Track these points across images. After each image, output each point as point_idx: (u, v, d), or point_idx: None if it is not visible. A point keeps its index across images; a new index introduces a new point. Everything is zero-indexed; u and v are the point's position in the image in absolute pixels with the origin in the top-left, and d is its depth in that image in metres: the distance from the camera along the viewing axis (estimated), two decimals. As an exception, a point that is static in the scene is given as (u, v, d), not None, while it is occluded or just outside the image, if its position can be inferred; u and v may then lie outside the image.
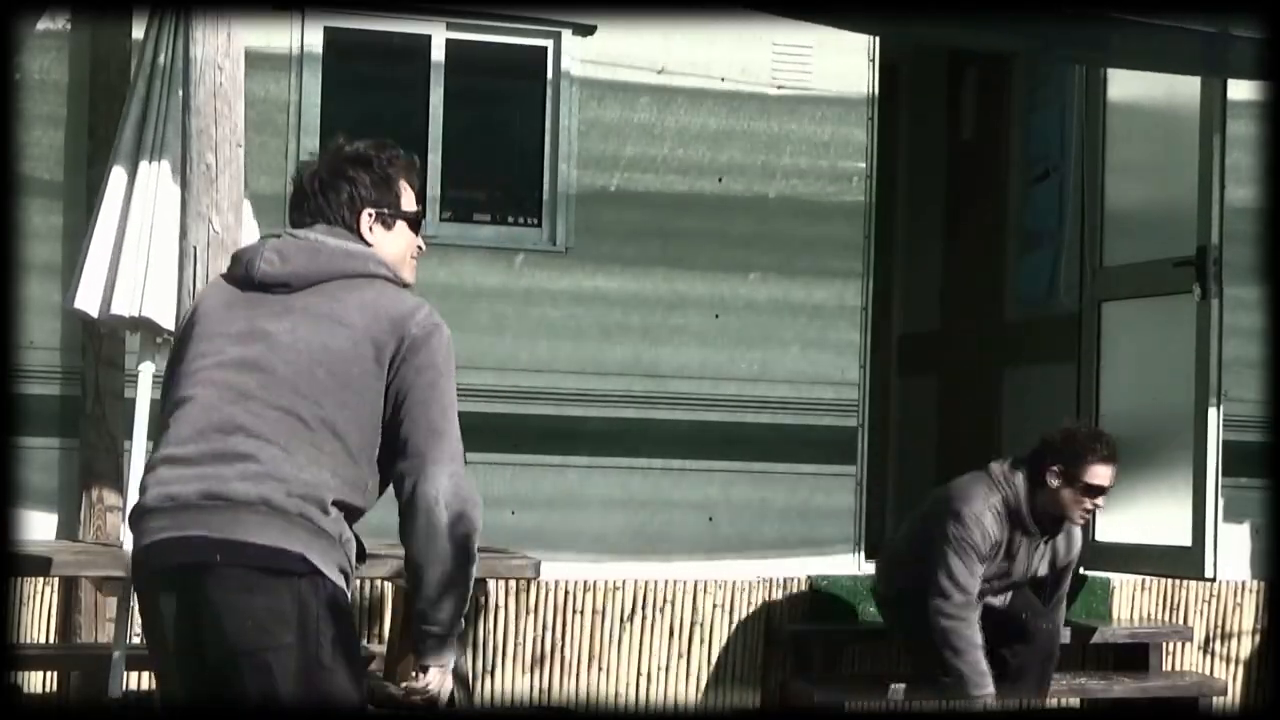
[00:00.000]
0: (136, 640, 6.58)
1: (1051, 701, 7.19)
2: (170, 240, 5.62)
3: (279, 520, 3.61)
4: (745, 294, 7.69)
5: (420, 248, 4.03)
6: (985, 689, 6.63)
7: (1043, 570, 7.00)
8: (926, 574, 6.75)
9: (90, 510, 6.85)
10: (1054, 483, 6.77)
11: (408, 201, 3.99)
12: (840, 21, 6.96)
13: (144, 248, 5.98)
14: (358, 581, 3.90)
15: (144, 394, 6.07)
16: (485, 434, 7.17)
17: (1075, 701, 7.23)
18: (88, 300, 6.04)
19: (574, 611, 7.39)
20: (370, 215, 3.93)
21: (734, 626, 7.57)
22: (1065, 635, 7.30)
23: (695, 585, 7.53)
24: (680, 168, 7.64)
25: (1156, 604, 8.04)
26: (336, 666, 3.66)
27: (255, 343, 3.74)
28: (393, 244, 3.96)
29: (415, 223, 4.02)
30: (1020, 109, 9.13)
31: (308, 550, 3.62)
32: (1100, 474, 6.78)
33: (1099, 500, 6.83)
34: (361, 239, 3.91)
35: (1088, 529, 7.79)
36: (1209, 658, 8.08)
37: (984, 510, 6.74)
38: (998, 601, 6.96)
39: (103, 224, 6.07)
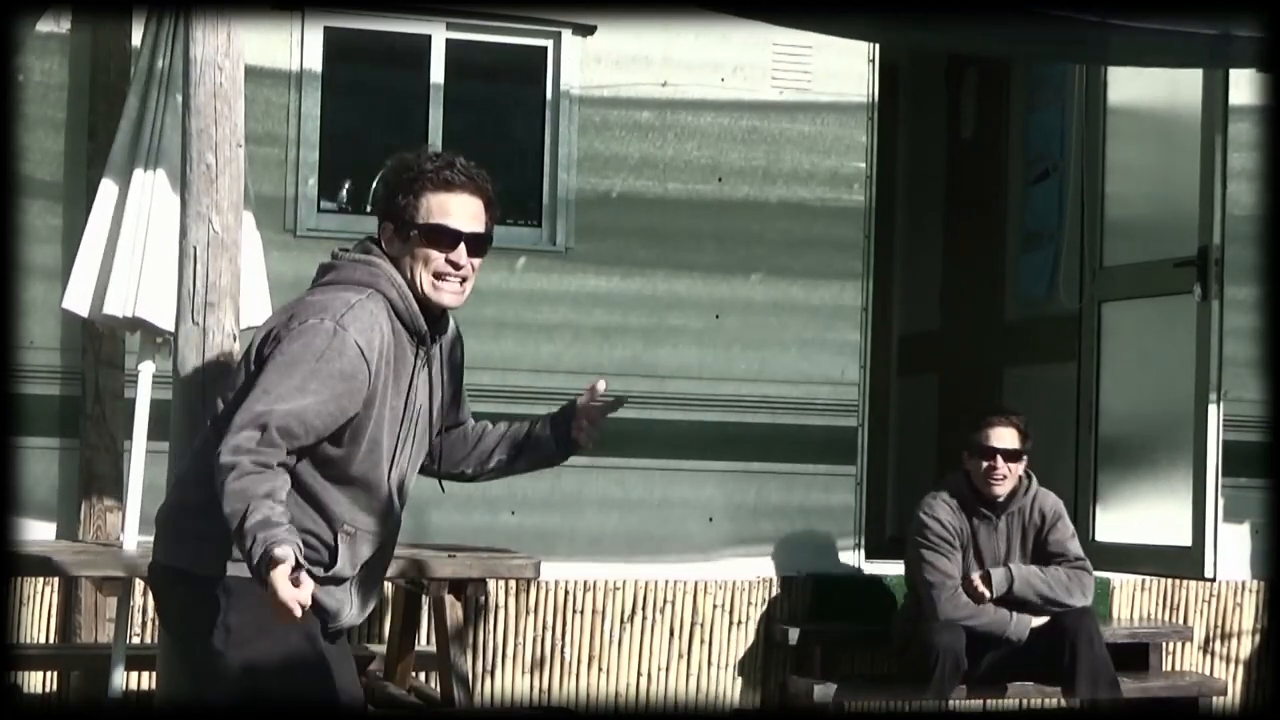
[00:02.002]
0: (136, 640, 6.59)
1: (1051, 702, 7.20)
2: (167, 241, 5.63)
3: (168, 535, 4.01)
4: (745, 294, 7.69)
5: (454, 263, 3.99)
6: (1004, 616, 6.97)
7: (1023, 541, 7.11)
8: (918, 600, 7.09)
9: (90, 510, 6.85)
10: (969, 464, 7.11)
11: (429, 214, 3.98)
12: (836, 29, 6.97)
13: (139, 248, 5.99)
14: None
15: (144, 394, 6.08)
16: (485, 434, 7.19)
17: (1075, 702, 7.23)
18: (77, 301, 6.06)
19: (574, 611, 7.40)
20: (387, 227, 4.03)
21: (734, 626, 7.57)
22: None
23: (695, 585, 7.54)
24: (680, 168, 7.65)
25: (1156, 604, 8.05)
26: (232, 654, 3.85)
27: None
28: (405, 256, 4.00)
29: (435, 236, 3.98)
30: (1020, 109, 9.14)
31: (179, 560, 3.96)
32: (994, 435, 7.06)
33: (999, 463, 7.03)
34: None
35: (1089, 523, 7.83)
36: (1209, 658, 8.09)
37: (935, 503, 7.11)
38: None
39: (97, 225, 6.08)
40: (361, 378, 3.84)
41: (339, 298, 3.91)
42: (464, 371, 4.35)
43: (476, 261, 4.05)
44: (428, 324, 4.03)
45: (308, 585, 3.55)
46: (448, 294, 4.02)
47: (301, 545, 3.62)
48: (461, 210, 4.01)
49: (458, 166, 4.03)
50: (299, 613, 3.52)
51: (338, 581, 3.98)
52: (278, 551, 3.52)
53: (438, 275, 3.99)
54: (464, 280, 4.03)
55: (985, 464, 7.04)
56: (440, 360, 4.15)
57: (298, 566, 3.53)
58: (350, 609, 4.06)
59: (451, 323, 4.22)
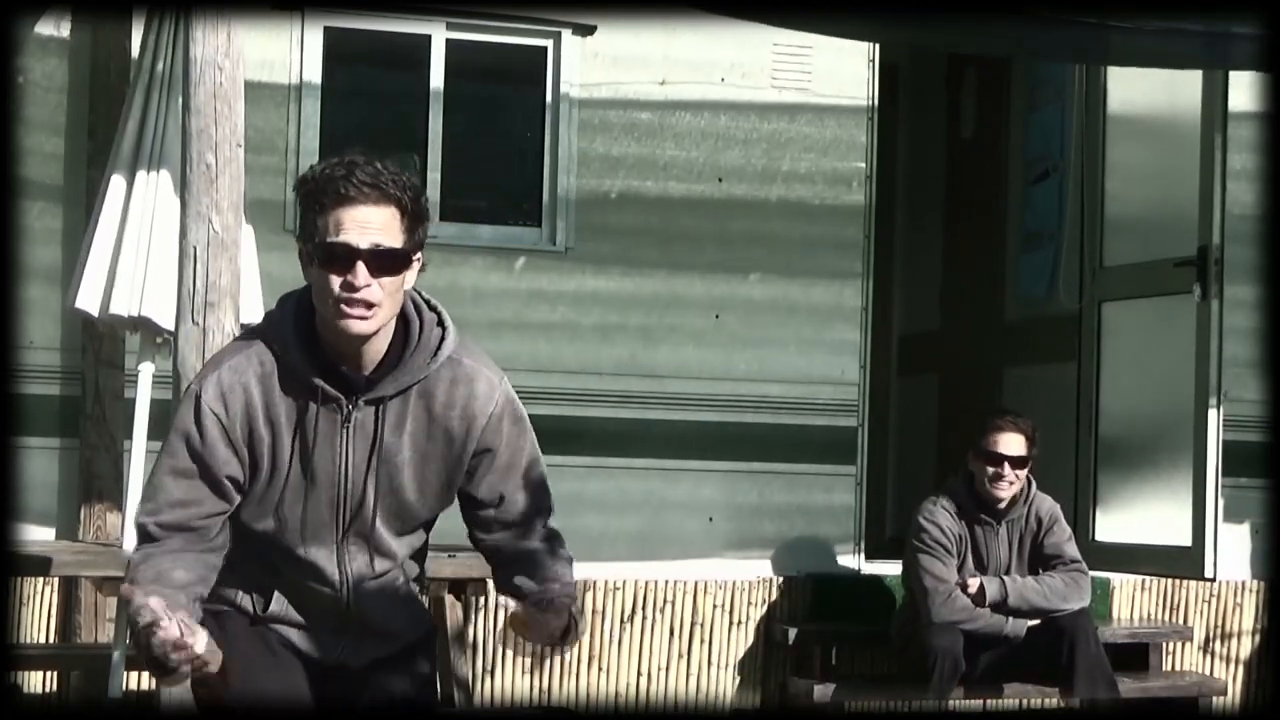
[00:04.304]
0: (136, 640, 6.58)
1: (1050, 702, 7.20)
2: (169, 241, 5.63)
3: None
4: (745, 294, 7.69)
5: (349, 284, 3.41)
6: (999, 618, 6.93)
7: (1022, 546, 7.10)
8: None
9: (90, 510, 6.85)
10: (973, 467, 7.06)
11: (325, 233, 3.45)
12: (834, 29, 6.97)
13: (143, 248, 6.00)
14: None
15: (144, 394, 6.08)
16: (485, 434, 7.18)
17: (1075, 701, 7.23)
18: (88, 300, 6.06)
19: (574, 611, 7.39)
20: (301, 252, 3.55)
21: (734, 626, 7.57)
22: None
23: (695, 585, 7.54)
24: (680, 168, 7.65)
25: (1156, 604, 8.04)
26: None
27: None
28: (313, 283, 3.51)
29: (328, 257, 3.42)
30: (1020, 109, 9.14)
31: None
32: (1002, 441, 7.00)
33: (1006, 470, 6.98)
34: None
35: (1089, 523, 7.84)
36: (1209, 658, 8.09)
37: (934, 508, 7.05)
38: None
39: (103, 225, 6.08)
40: (219, 445, 3.53)
41: (221, 354, 3.67)
42: (493, 462, 3.90)
43: (388, 281, 3.43)
44: (345, 376, 3.53)
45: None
46: (352, 321, 3.43)
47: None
48: (358, 224, 3.41)
49: (356, 176, 3.42)
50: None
51: (293, 625, 3.80)
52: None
53: (337, 303, 3.42)
54: (370, 305, 3.43)
55: (991, 469, 7.00)
56: (403, 427, 3.63)
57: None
58: (332, 655, 3.83)
59: (473, 393, 3.72)
